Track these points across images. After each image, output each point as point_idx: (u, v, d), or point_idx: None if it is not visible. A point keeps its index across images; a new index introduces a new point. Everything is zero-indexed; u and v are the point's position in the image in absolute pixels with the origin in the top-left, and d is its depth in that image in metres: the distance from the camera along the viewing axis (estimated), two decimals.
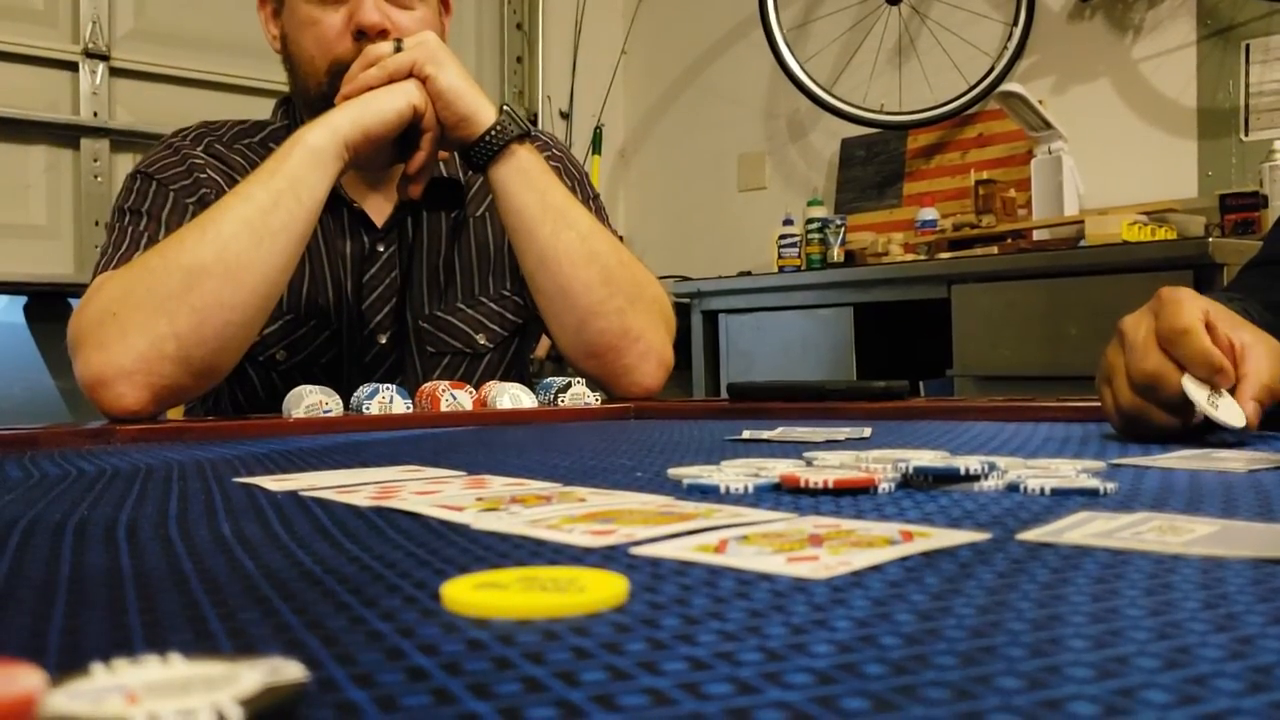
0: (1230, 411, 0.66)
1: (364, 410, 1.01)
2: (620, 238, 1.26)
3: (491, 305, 1.30)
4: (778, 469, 0.53)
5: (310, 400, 0.98)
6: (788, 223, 3.18)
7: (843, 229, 3.04)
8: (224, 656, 0.22)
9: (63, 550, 0.38)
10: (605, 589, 0.28)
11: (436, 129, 1.15)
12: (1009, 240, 2.67)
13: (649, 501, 0.45)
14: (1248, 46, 2.67)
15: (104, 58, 2.93)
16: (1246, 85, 2.67)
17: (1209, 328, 0.68)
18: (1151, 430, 0.70)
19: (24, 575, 0.34)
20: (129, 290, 1.02)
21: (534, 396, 1.11)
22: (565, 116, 3.79)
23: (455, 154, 1.27)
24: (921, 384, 2.50)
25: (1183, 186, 2.75)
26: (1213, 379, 0.67)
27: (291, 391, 1.01)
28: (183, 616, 0.28)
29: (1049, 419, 0.90)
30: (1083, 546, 0.35)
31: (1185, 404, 0.67)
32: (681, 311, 2.56)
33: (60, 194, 2.87)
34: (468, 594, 0.28)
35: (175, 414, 1.23)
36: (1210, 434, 0.71)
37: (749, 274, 3.18)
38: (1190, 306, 0.69)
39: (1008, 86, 2.81)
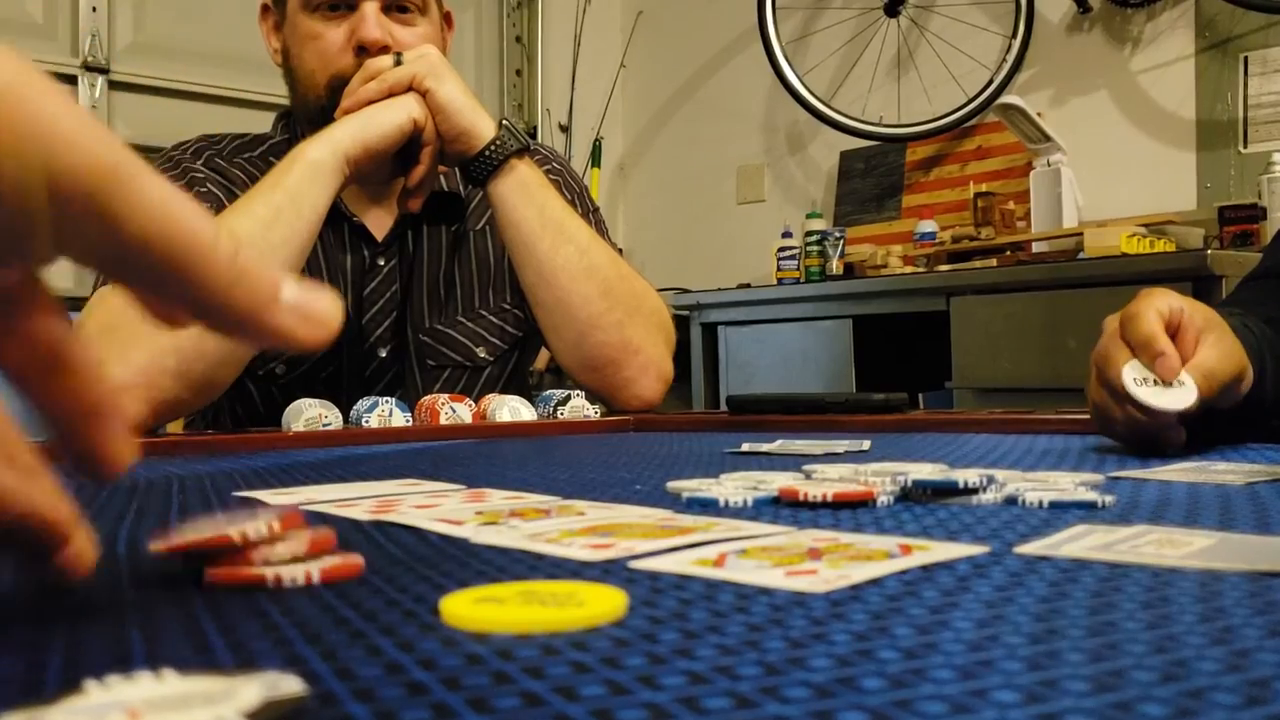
0: (1164, 398, 0.67)
1: (363, 424, 1.01)
2: (619, 250, 1.26)
3: (491, 319, 1.30)
4: (777, 482, 0.53)
5: (310, 414, 0.98)
6: (787, 235, 3.18)
7: (841, 241, 3.05)
8: (221, 671, 0.22)
9: None
10: (604, 603, 0.28)
11: (436, 143, 1.15)
12: (1008, 252, 2.67)
13: (648, 515, 0.45)
14: (1246, 59, 2.68)
15: (103, 71, 2.94)
16: (1245, 97, 2.68)
17: (1181, 329, 0.69)
18: (1114, 429, 0.71)
19: (24, 589, 0.34)
20: (128, 305, 1.01)
21: (533, 409, 1.11)
22: (564, 130, 3.80)
23: (455, 168, 1.27)
24: (920, 396, 2.50)
25: (1181, 199, 2.76)
26: (1152, 363, 0.68)
27: (291, 405, 1.01)
28: (183, 631, 0.28)
29: (1048, 432, 0.90)
30: (1080, 560, 0.35)
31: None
32: (681, 324, 2.56)
33: None
34: (467, 608, 0.28)
35: (175, 428, 1.23)
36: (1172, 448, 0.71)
37: (748, 286, 3.18)
38: (1150, 301, 0.70)
39: (1007, 99, 2.81)
